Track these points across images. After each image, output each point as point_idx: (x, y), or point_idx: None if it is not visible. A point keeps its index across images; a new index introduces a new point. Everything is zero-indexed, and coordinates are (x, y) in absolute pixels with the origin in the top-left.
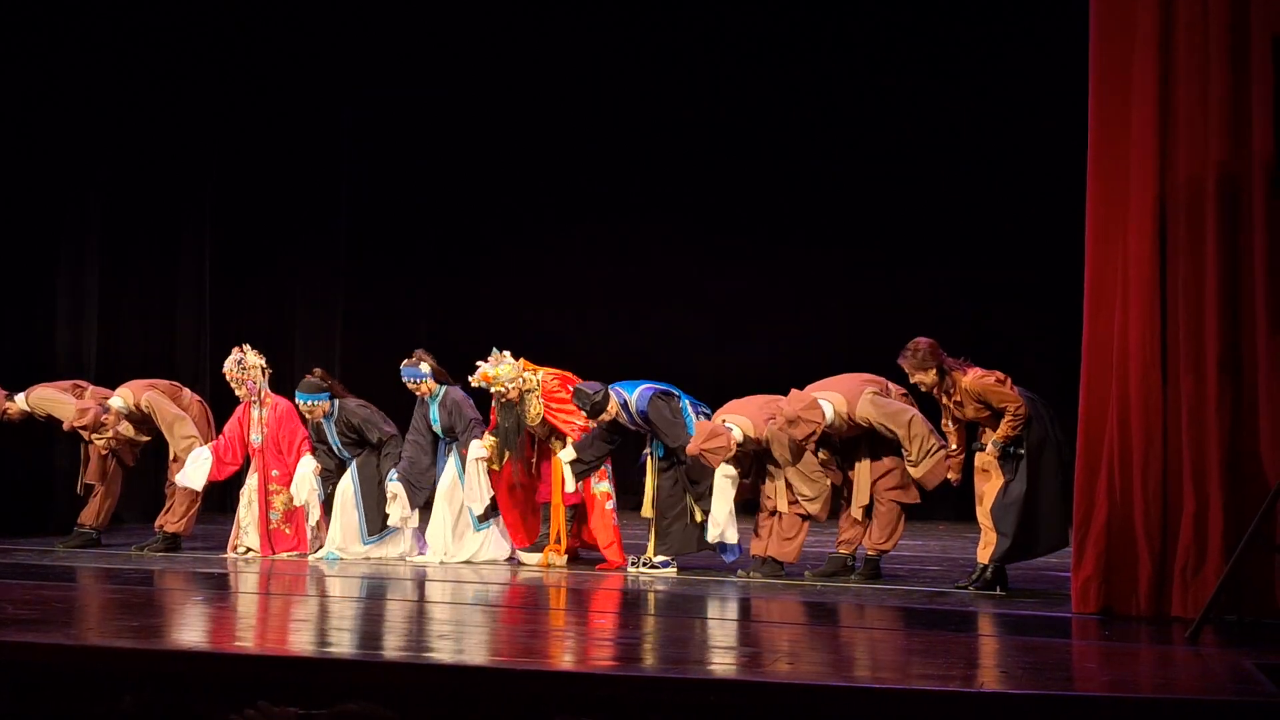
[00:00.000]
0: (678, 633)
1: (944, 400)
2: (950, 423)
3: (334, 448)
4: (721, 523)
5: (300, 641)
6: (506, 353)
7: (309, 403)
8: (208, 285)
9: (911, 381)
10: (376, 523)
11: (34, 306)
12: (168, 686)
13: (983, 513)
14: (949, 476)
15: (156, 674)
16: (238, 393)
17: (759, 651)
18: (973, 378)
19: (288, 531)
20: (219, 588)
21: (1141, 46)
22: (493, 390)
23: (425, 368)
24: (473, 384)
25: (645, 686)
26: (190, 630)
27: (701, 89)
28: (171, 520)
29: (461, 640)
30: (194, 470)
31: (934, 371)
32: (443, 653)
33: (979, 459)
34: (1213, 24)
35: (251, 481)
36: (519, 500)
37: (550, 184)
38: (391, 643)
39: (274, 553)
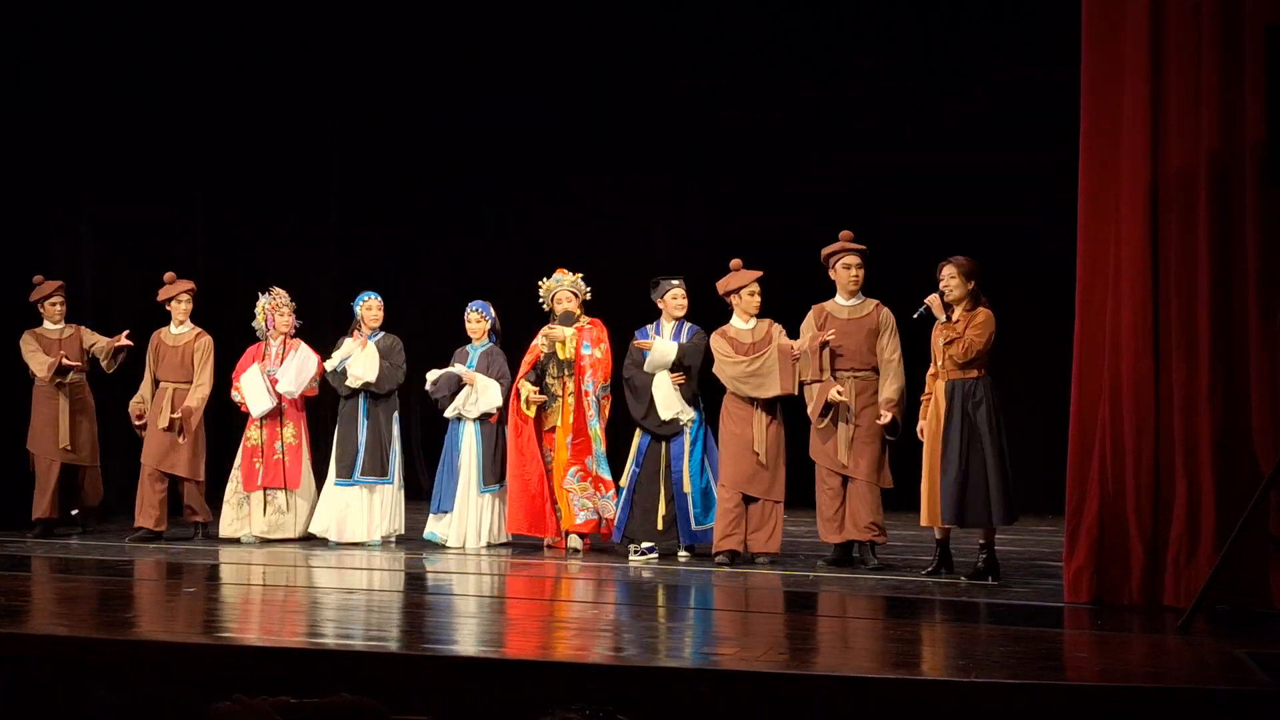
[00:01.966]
0: (668, 622)
1: (948, 320)
2: (938, 363)
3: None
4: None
5: (285, 632)
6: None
7: (377, 299)
8: (200, 252)
9: (944, 285)
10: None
11: (23, 314)
12: (149, 677)
13: (931, 472)
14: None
15: (137, 665)
16: (277, 320)
17: (751, 641)
18: (991, 316)
19: (288, 463)
20: (208, 579)
21: (1133, 34)
22: (560, 293)
23: (493, 312)
24: (542, 294)
25: (635, 677)
26: (173, 621)
27: (693, 68)
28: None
29: (451, 630)
30: (256, 391)
31: (971, 287)
32: (430, 642)
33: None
34: (1205, 13)
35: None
36: (542, 490)
37: (540, 154)
38: (379, 633)
39: (276, 484)
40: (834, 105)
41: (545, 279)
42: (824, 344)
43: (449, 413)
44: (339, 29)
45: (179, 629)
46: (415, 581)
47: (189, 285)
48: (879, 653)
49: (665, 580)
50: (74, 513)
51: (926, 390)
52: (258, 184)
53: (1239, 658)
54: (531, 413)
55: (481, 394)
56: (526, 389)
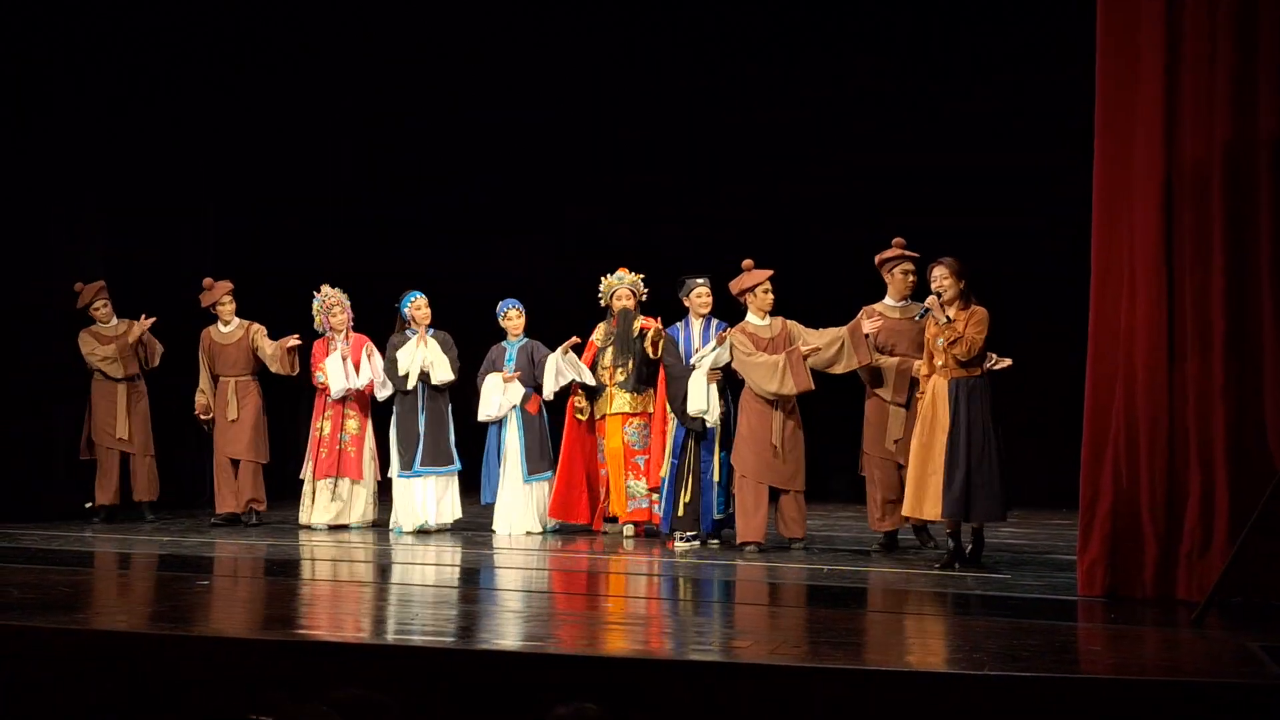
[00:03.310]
0: (681, 616)
1: (940, 318)
2: (935, 361)
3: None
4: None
5: (300, 626)
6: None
7: (423, 298)
8: (210, 255)
9: (937, 286)
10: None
11: (33, 313)
12: (168, 672)
13: (922, 466)
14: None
15: (143, 659)
16: (331, 320)
17: (762, 635)
18: (986, 313)
19: (352, 454)
20: (228, 573)
21: (1148, 26)
22: (620, 290)
23: (521, 309)
24: (602, 290)
25: (641, 670)
26: (186, 615)
27: (697, 71)
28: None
29: (466, 622)
30: (337, 374)
31: (962, 286)
32: (445, 637)
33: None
34: (1220, 4)
35: (327, 410)
36: (583, 480)
37: (544, 155)
38: (390, 627)
39: (338, 474)
40: (834, 105)
41: (607, 275)
42: (867, 334)
43: (489, 415)
44: (342, 30)
45: (191, 623)
46: (444, 573)
47: (228, 286)
48: (891, 646)
49: (681, 573)
50: (88, 505)
51: (920, 389)
52: (264, 186)
53: (1252, 651)
54: (583, 418)
55: (569, 366)
56: (580, 401)
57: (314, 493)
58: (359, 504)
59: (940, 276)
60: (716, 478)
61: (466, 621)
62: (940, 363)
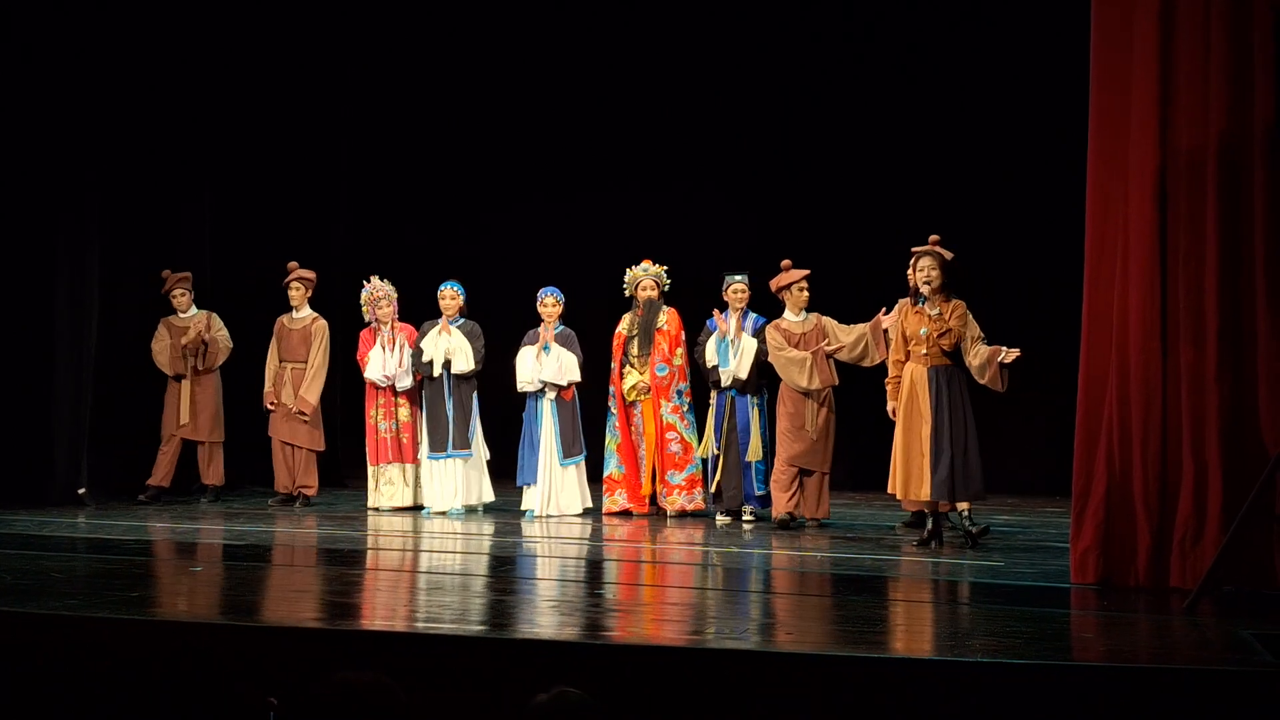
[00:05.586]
0: (674, 601)
1: (931, 310)
2: (913, 349)
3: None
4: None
5: (299, 612)
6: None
7: (456, 289)
8: (208, 269)
9: (924, 276)
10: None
11: (33, 301)
12: (170, 659)
13: (907, 451)
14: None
15: (134, 644)
16: (378, 313)
17: (751, 621)
18: (965, 305)
19: (405, 440)
20: (230, 558)
21: (1142, 15)
22: (645, 281)
23: (561, 298)
24: (627, 281)
25: (640, 655)
26: (177, 600)
27: (703, 68)
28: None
29: (454, 608)
30: (375, 359)
31: (943, 279)
32: (442, 623)
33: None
34: None
35: (379, 398)
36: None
37: (549, 159)
38: (392, 613)
39: (403, 460)
40: (836, 104)
41: (632, 266)
42: (885, 329)
43: (527, 387)
44: (348, 20)
45: (181, 608)
46: (457, 560)
47: (294, 270)
48: (884, 632)
49: (697, 560)
50: (80, 491)
51: (893, 374)
52: (266, 180)
53: (1244, 639)
54: (631, 397)
55: (567, 367)
56: (632, 379)
57: (377, 478)
58: (412, 488)
59: (929, 268)
60: (757, 459)
61: (471, 607)
62: (923, 351)
